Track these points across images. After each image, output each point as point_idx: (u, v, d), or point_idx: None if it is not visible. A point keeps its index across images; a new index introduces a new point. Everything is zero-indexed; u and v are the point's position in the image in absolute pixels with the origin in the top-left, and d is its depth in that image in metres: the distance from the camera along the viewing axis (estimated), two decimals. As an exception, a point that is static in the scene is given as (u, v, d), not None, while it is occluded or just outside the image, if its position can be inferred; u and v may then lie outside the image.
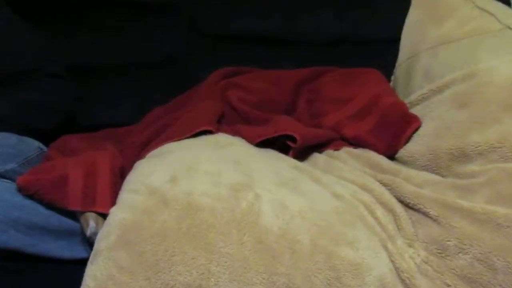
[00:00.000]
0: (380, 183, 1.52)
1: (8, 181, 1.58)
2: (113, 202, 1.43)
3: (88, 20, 2.22)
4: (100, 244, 1.33)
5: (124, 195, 1.41)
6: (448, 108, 1.58)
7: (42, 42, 1.93)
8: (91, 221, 1.53)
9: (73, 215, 1.59)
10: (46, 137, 1.83)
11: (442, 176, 1.51)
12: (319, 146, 1.70)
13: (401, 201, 1.47)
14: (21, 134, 1.76)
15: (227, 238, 1.30)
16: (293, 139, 1.63)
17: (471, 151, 1.47)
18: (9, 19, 1.87)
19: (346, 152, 1.68)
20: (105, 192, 1.56)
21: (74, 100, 1.96)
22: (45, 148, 1.80)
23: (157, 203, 1.34)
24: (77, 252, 1.60)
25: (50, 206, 1.56)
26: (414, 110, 1.68)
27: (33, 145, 1.77)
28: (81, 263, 1.34)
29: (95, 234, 1.46)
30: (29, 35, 1.90)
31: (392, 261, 1.36)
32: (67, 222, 1.58)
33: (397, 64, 1.90)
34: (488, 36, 1.66)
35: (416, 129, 1.62)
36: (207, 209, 1.33)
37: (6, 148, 1.67)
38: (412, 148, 1.60)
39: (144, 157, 1.56)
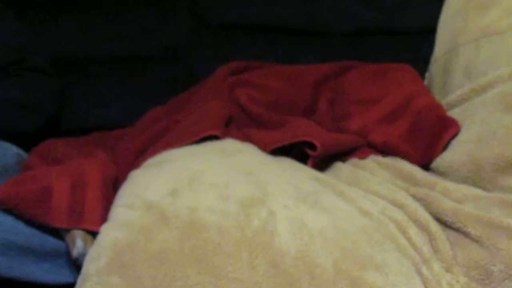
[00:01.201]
0: (413, 198, 1.52)
1: (-19, 193, 1.58)
2: (104, 219, 1.44)
3: (76, 6, 2.22)
4: (89, 267, 1.32)
5: (117, 211, 1.40)
6: (492, 111, 1.57)
7: (23, 31, 1.93)
8: (78, 240, 1.53)
9: (58, 234, 1.58)
10: (26, 142, 1.84)
11: (486, 190, 1.51)
12: (343, 154, 1.70)
13: (438, 219, 1.47)
14: (-4, 138, 1.76)
15: (236, 261, 1.30)
16: (313, 146, 1.63)
17: (519, 161, 1.47)
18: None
19: (374, 161, 1.68)
20: (95, 207, 1.56)
21: (59, 98, 1.96)
22: (25, 155, 1.80)
23: (156, 220, 1.33)
24: (62, 276, 1.59)
25: (31, 222, 1.56)
26: (453, 113, 1.68)
27: (11, 151, 1.77)
28: (67, 289, 1.35)
29: (83, 255, 1.46)
30: (6, 22, 1.90)
31: (427, 289, 1.36)
32: (51, 241, 1.58)
33: (432, 59, 1.90)
34: (538, 28, 1.66)
35: (455, 135, 1.62)
36: (213, 227, 1.32)
37: (-21, 155, 1.68)
38: (450, 156, 1.59)
39: (140, 166, 1.56)
